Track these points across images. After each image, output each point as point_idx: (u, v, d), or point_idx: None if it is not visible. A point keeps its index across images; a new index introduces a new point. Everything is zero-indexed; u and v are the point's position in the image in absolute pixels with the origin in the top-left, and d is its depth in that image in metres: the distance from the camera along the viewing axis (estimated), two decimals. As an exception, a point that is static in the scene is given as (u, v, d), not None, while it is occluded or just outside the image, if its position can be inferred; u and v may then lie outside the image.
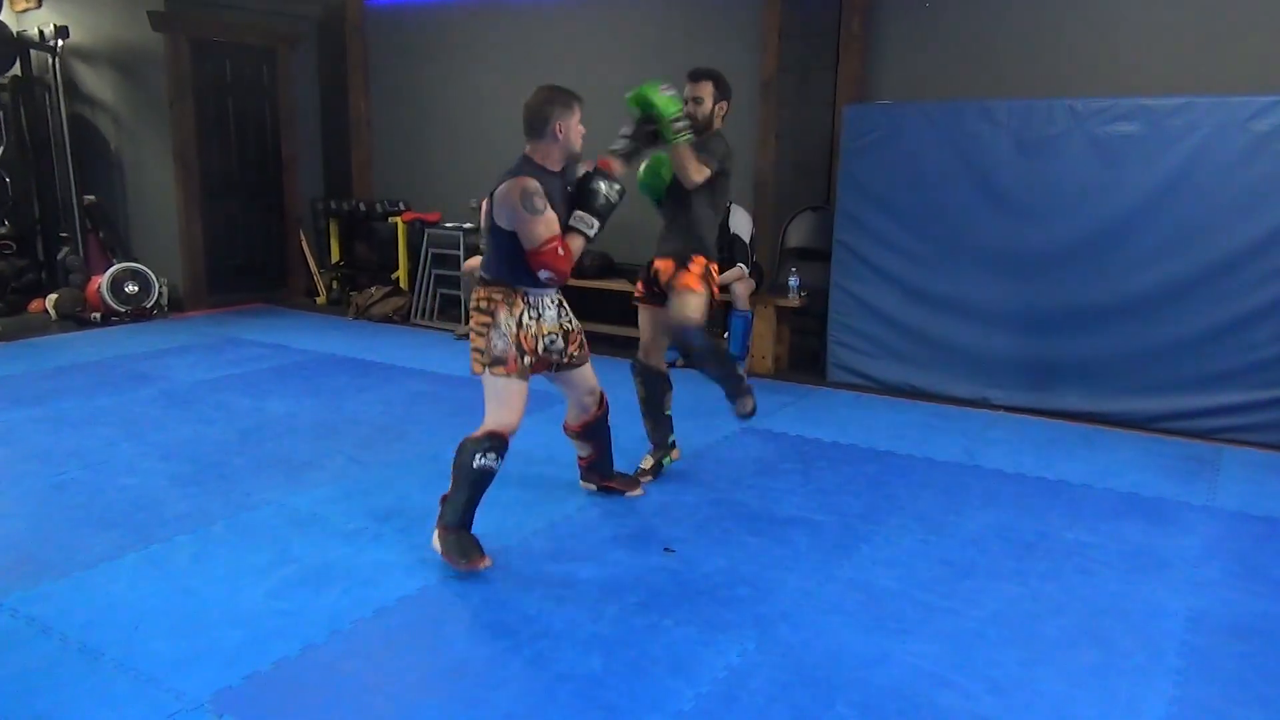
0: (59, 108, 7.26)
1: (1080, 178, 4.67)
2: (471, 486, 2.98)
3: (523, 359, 3.05)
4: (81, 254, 7.27)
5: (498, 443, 2.99)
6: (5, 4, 7.26)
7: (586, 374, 3.44)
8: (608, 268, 6.46)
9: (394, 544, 3.21)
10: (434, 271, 7.28)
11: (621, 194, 3.19)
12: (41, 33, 7.17)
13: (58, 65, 7.21)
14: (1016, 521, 3.48)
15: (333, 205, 7.86)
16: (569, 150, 3.09)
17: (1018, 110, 4.80)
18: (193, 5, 7.27)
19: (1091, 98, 4.69)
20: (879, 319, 5.32)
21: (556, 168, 3.11)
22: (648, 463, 3.88)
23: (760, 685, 2.40)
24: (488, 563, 2.99)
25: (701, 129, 3.61)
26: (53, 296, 7.06)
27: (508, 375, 3.02)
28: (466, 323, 6.85)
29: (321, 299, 8.02)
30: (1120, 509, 3.63)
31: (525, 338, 3.07)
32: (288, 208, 8.09)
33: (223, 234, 7.70)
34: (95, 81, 7.60)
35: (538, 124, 3.04)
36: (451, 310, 7.23)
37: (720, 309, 5.86)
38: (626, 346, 6.30)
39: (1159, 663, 2.54)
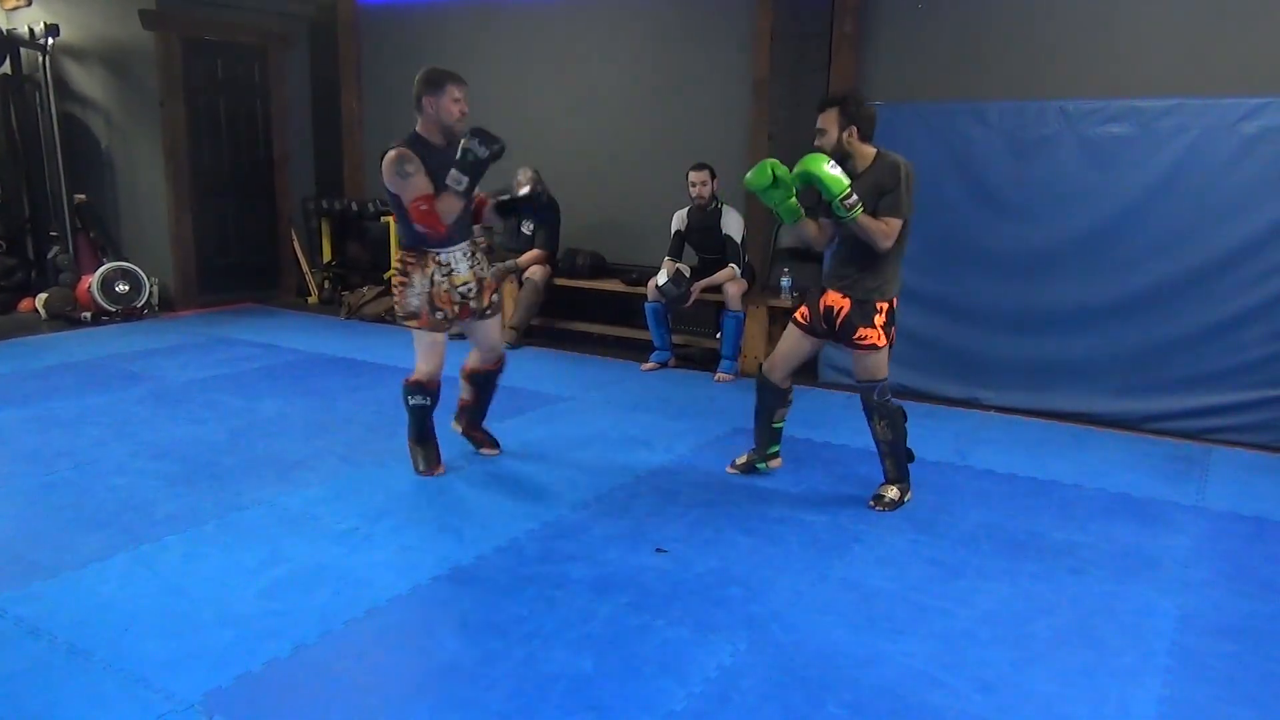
0: (49, 106, 7.22)
1: (1071, 179, 4.69)
2: (412, 417, 3.79)
3: (434, 314, 3.60)
4: (71, 253, 7.24)
5: (418, 388, 3.73)
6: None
7: (495, 327, 3.91)
8: (600, 267, 6.45)
9: (386, 544, 3.20)
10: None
11: (490, 151, 3.41)
12: (31, 31, 7.13)
13: (48, 63, 7.17)
14: (1007, 521, 3.49)
15: (325, 204, 7.83)
16: (442, 123, 3.50)
17: (1009, 111, 4.82)
18: (184, 3, 7.24)
19: (1082, 99, 4.72)
20: (871, 319, 5.32)
21: (439, 140, 3.53)
22: (742, 459, 3.96)
23: (752, 685, 2.40)
24: (441, 470, 3.79)
25: (840, 157, 3.45)
26: (43, 296, 7.02)
27: (420, 328, 3.62)
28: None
29: (313, 298, 8.00)
30: (1111, 509, 3.65)
31: (438, 294, 3.60)
32: (279, 207, 8.06)
33: (214, 233, 7.68)
34: (86, 80, 7.57)
35: (415, 101, 3.52)
36: (444, 310, 7.21)
37: (713, 309, 5.89)
38: (619, 347, 6.32)
39: (1149, 662, 2.55)
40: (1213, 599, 2.93)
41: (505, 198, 3.83)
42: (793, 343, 3.71)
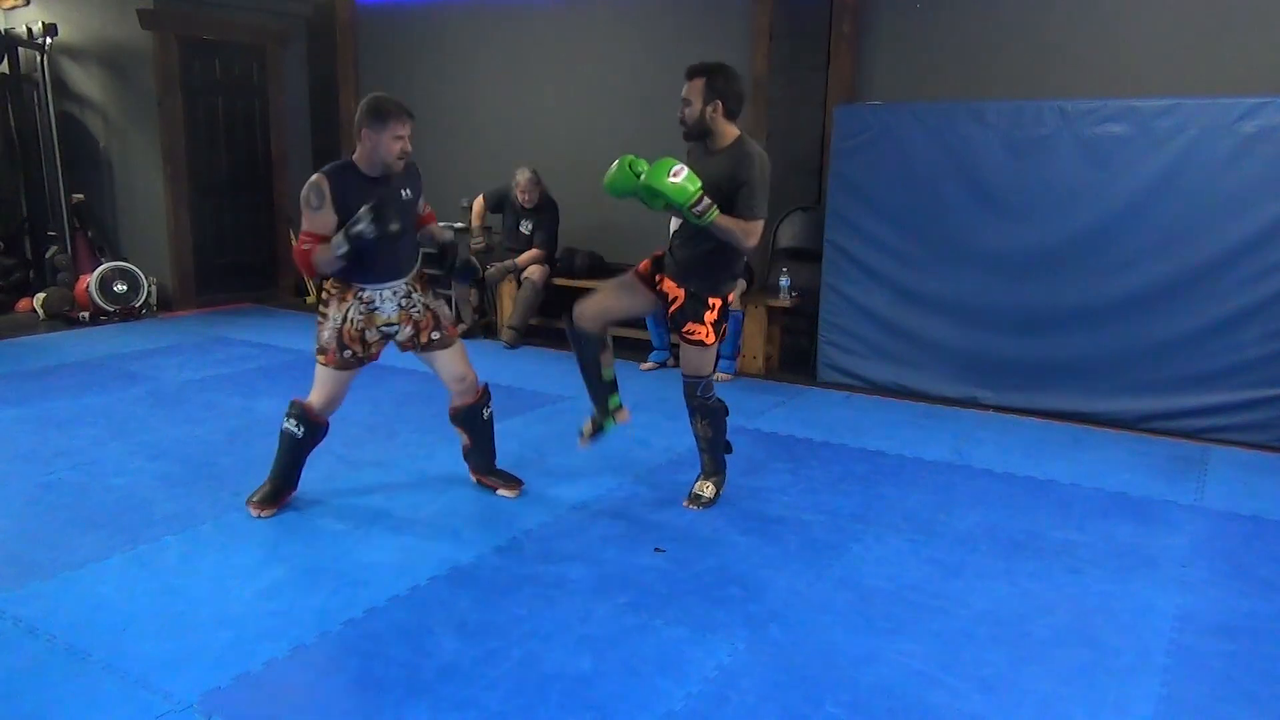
0: (47, 106, 7.21)
1: (1069, 178, 4.69)
2: (281, 445, 3.39)
3: (342, 352, 3.29)
4: (69, 253, 7.23)
5: (302, 414, 3.35)
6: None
7: (452, 360, 3.48)
8: (598, 267, 6.45)
9: (384, 544, 3.20)
10: (424, 271, 7.24)
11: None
12: (30, 30, 7.12)
13: (46, 63, 7.16)
14: (1006, 521, 3.50)
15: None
16: (378, 159, 3.18)
17: (1007, 111, 4.82)
18: (182, 3, 7.23)
19: (1080, 99, 4.72)
20: (869, 319, 5.33)
21: (373, 173, 3.21)
22: (587, 426, 3.69)
23: (751, 685, 2.40)
24: (266, 514, 3.35)
25: (698, 134, 3.30)
26: (41, 295, 7.01)
27: (326, 365, 3.31)
28: (457, 323, 6.85)
29: (311, 298, 7.98)
30: (1109, 508, 3.65)
31: (348, 332, 3.28)
32: (277, 207, 8.05)
33: (212, 233, 7.67)
34: (84, 80, 7.56)
35: (355, 129, 3.21)
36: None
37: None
38: (618, 347, 6.23)
39: (1147, 661, 2.55)
40: (1211, 598, 2.93)
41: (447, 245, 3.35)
42: (618, 293, 3.47)
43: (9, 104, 7.33)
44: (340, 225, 3.11)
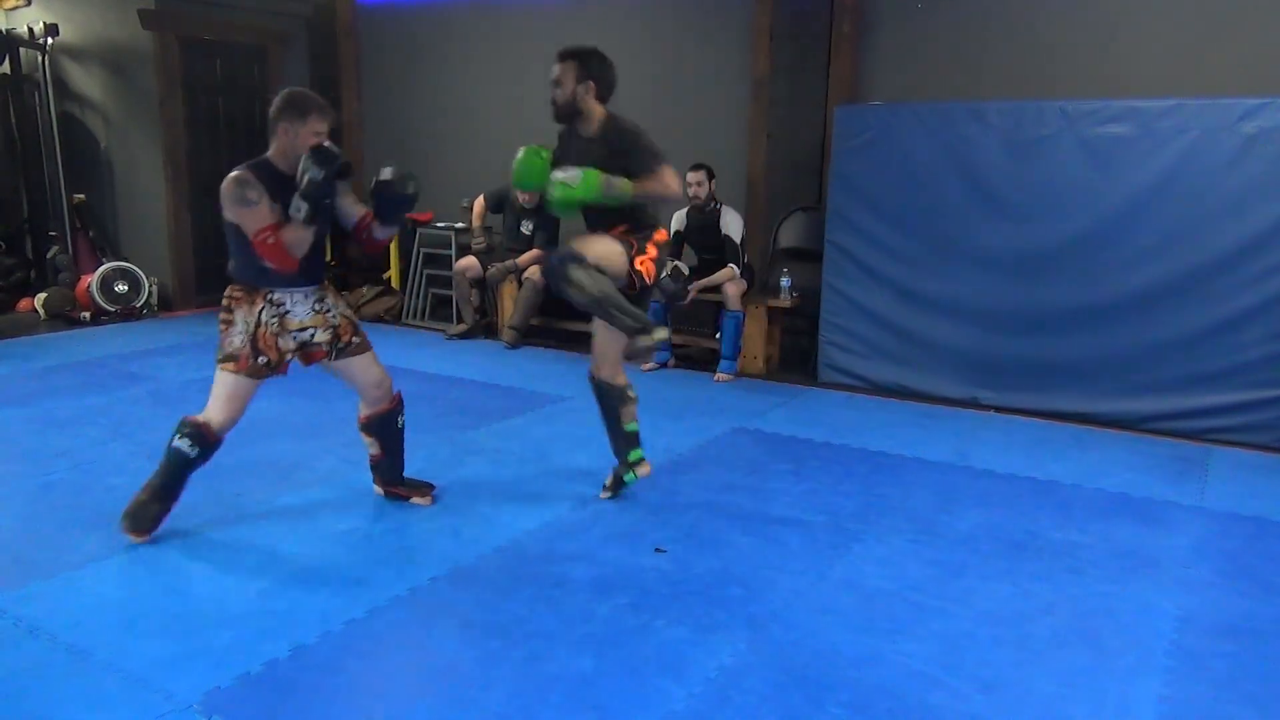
0: (48, 106, 7.22)
1: (1071, 179, 4.69)
2: (167, 464, 3.12)
3: (255, 358, 3.10)
4: (70, 253, 7.23)
5: (196, 432, 3.11)
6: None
7: (366, 366, 3.35)
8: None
9: (385, 544, 3.20)
10: (425, 272, 7.26)
11: (327, 171, 2.93)
12: (31, 30, 7.13)
13: (47, 63, 7.17)
14: (1007, 521, 3.49)
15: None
16: (296, 155, 3.01)
17: (1008, 111, 4.82)
18: (183, 3, 7.23)
19: (1082, 99, 4.72)
20: (870, 319, 5.33)
21: (291, 170, 3.05)
22: (609, 479, 3.65)
23: (752, 685, 2.40)
24: (138, 539, 3.10)
25: (568, 115, 3.30)
26: (42, 295, 7.02)
27: (236, 372, 3.10)
28: (458, 323, 6.86)
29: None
30: (1110, 509, 3.65)
31: (263, 337, 3.11)
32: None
33: (212, 233, 7.59)
34: (85, 80, 7.56)
35: (270, 124, 3.08)
36: (443, 310, 7.22)
37: (711, 309, 5.88)
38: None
39: (1149, 662, 2.55)
40: (1213, 599, 2.93)
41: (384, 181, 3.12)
42: (604, 331, 3.42)
43: (10, 104, 7.34)
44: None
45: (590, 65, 3.25)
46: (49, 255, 7.29)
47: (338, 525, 3.34)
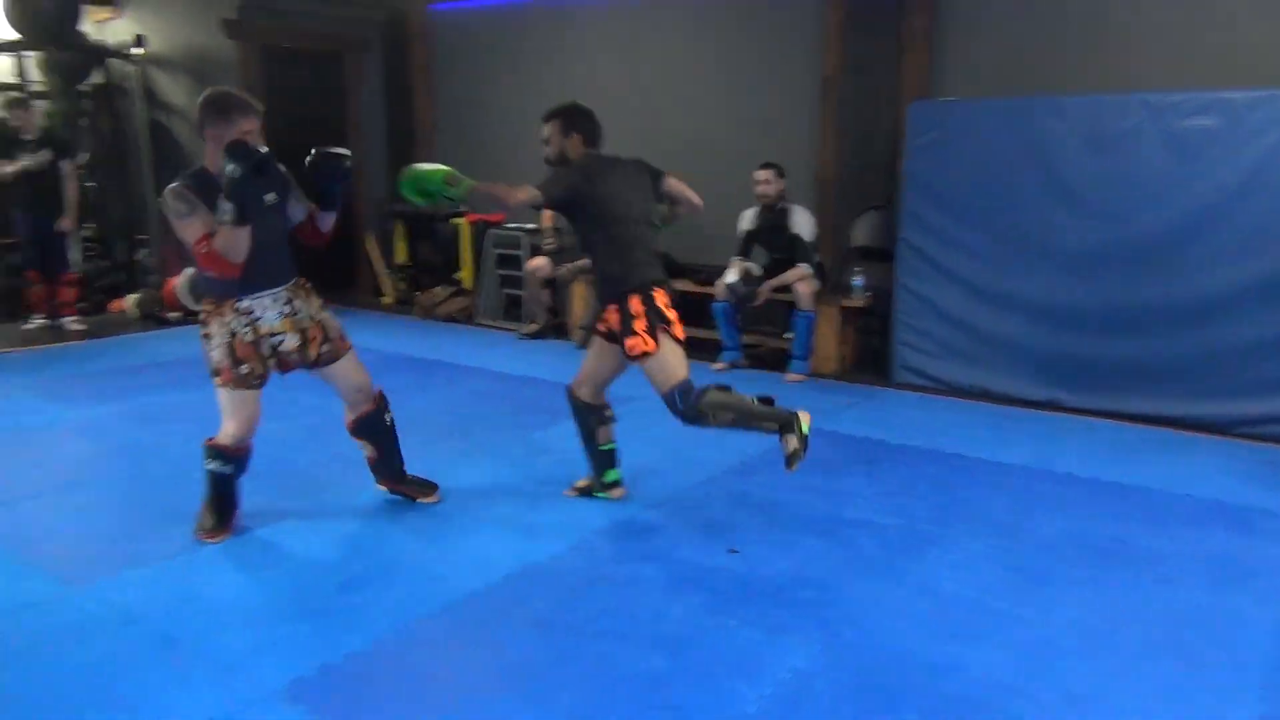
0: (138, 114, 7.51)
1: (1154, 174, 4.52)
2: (210, 483, 3.22)
3: (237, 368, 3.08)
4: (159, 255, 7.51)
5: (219, 453, 3.17)
6: (86, 14, 7.54)
7: (346, 369, 3.33)
8: (669, 267, 6.36)
9: (460, 541, 3.25)
10: (498, 272, 7.36)
11: (245, 166, 2.85)
12: (121, 42, 7.43)
13: (137, 73, 7.46)
14: (1091, 528, 3.39)
15: (398, 207, 8.00)
16: None
17: (1088, 105, 4.67)
18: (264, 13, 7.45)
19: (1166, 91, 4.54)
20: (945, 319, 5.22)
21: None
22: (581, 482, 3.66)
23: (825, 689, 2.37)
24: (225, 536, 3.20)
25: (562, 162, 3.52)
26: (132, 296, 7.31)
27: (224, 386, 3.10)
28: (529, 323, 6.93)
29: (388, 299, 8.17)
30: (1202, 516, 3.51)
31: (240, 346, 3.08)
32: (355, 211, 8.25)
33: (293, 236, 7.87)
34: (172, 88, 7.84)
35: (198, 129, 3.02)
36: (515, 310, 7.30)
37: (784, 309, 5.83)
38: (690, 347, 6.24)
39: (1244, 677, 2.44)
40: (1313, 612, 2.79)
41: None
42: (595, 357, 3.49)
43: (103, 112, 7.65)
44: None
45: (570, 119, 3.52)
46: (139, 258, 7.58)
47: (414, 522, 3.41)
